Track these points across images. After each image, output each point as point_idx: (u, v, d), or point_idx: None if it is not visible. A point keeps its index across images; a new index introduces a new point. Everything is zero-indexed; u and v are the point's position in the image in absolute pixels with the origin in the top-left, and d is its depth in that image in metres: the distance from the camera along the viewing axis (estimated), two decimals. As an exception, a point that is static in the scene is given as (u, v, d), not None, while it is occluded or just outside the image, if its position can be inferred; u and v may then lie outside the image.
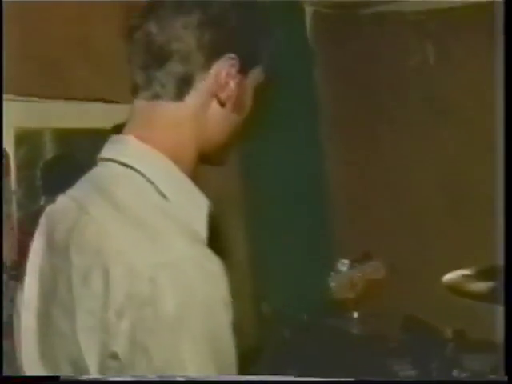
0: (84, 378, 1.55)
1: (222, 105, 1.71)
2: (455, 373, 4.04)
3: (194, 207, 1.68)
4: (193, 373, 1.51)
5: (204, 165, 1.80)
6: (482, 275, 3.07)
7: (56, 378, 1.58)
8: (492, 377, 2.96)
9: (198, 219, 1.67)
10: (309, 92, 5.37)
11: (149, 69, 1.69)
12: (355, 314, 3.32)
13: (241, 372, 2.09)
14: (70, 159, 4.47)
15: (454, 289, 3.11)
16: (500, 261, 3.16)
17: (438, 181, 5.19)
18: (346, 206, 5.52)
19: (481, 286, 3.08)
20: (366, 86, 5.39)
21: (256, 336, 4.26)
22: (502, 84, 2.20)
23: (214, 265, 1.59)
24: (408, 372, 4.16)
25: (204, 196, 1.71)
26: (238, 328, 3.89)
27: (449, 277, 3.10)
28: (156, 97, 1.69)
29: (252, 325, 4.47)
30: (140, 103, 1.73)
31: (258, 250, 4.79)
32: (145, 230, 1.56)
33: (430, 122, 5.14)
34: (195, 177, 1.75)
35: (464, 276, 3.10)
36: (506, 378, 1.85)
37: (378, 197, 5.43)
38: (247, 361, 3.01)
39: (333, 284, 2.65)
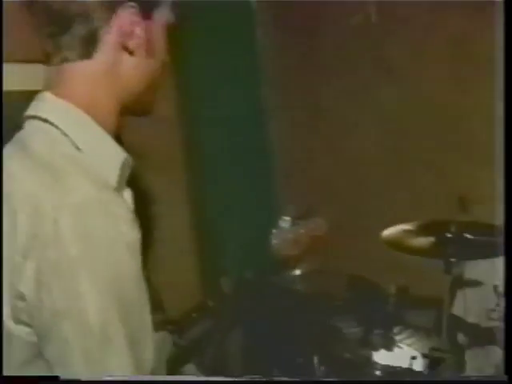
0: (84, 378, 1.56)
1: (132, 53, 1.73)
2: (397, 329, 4.10)
3: (107, 158, 1.70)
4: (94, 317, 1.52)
5: (133, 116, 1.84)
6: (422, 230, 3.09)
7: (55, 377, 1.58)
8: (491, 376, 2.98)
9: (109, 169, 1.69)
10: (251, 51, 5.35)
11: (55, 36, 1.70)
12: (298, 272, 3.33)
13: (179, 329, 2.09)
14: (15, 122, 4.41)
15: (394, 244, 3.13)
16: (441, 216, 3.20)
17: (379, 137, 5.23)
18: (288, 163, 5.53)
19: (421, 241, 3.11)
20: (310, 45, 5.38)
21: (201, 294, 4.28)
22: (501, 83, 2.22)
23: (120, 209, 1.62)
24: (352, 329, 4.20)
25: (120, 148, 1.74)
26: (181, 286, 3.89)
27: (389, 232, 3.12)
28: (66, 60, 1.72)
29: (196, 283, 4.48)
30: (52, 68, 1.75)
31: (199, 209, 4.78)
32: (53, 174, 1.58)
33: (372, 82, 5.15)
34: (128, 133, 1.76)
35: (405, 231, 3.13)
36: (505, 378, 1.87)
37: (321, 154, 5.45)
38: (192, 318, 3.02)
39: (275, 241, 2.64)
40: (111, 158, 1.70)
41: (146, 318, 1.64)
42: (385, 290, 4.62)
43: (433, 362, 3.00)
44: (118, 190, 1.70)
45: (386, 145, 5.20)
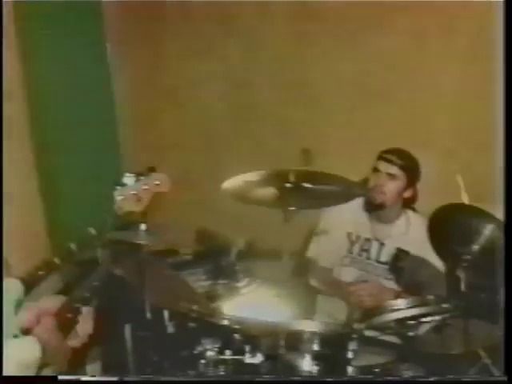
0: (82, 378, 1.55)
1: None
2: (246, 281, 4.19)
3: None
4: None
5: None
6: (263, 181, 3.11)
7: (54, 378, 1.57)
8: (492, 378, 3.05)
9: None
10: (95, 9, 5.29)
11: None
12: (143, 227, 3.34)
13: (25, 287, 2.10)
14: None
15: (235, 195, 3.14)
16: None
17: (222, 91, 5.29)
18: (133, 119, 5.51)
19: (262, 192, 3.14)
20: (154, 2, 5.35)
21: (48, 252, 4.23)
22: (502, 83, 2.26)
23: None
24: (201, 282, 4.26)
25: None
26: (29, 244, 3.81)
27: (230, 183, 3.11)
28: None
29: (43, 242, 4.44)
30: None
31: (46, 169, 4.71)
32: None
33: (217, 38, 5.18)
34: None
35: (246, 182, 3.14)
36: (505, 378, 1.92)
37: (166, 109, 5.47)
38: (38, 276, 2.99)
39: (118, 198, 2.64)
40: None
41: None
42: (233, 242, 4.72)
43: (279, 308, 3.07)
44: None
45: (231, 99, 5.27)
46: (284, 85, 5.02)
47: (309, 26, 4.87)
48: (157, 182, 2.71)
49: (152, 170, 2.74)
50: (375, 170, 3.77)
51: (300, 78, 4.97)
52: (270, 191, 3.14)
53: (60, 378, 1.61)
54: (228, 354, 3.04)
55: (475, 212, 3.05)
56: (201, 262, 4.56)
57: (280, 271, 4.14)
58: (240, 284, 4.18)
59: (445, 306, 3.02)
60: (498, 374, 3.89)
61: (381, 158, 3.77)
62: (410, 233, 3.82)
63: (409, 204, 3.87)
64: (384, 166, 3.74)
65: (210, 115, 5.28)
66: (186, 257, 4.69)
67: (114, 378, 1.57)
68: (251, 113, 5.17)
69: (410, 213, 3.89)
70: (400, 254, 3.77)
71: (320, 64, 4.88)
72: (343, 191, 3.19)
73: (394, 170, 3.73)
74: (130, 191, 2.68)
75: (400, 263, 3.74)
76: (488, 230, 2.97)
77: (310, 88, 4.97)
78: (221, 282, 4.07)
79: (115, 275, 3.77)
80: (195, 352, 3.08)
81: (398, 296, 3.59)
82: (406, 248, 3.78)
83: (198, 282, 4.25)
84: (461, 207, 3.06)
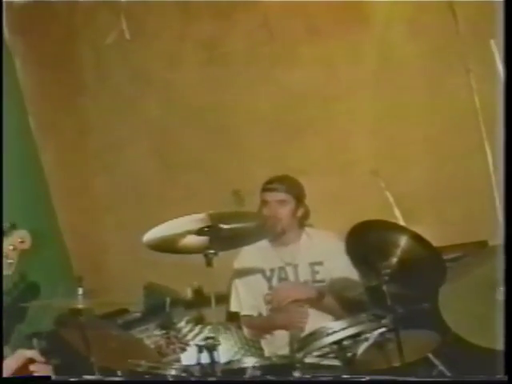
0: (74, 379, 1.55)
1: None
2: (198, 328, 4.20)
3: None
4: None
5: None
6: (185, 228, 3.15)
7: (47, 377, 1.58)
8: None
9: None
10: (12, 80, 5.31)
11: None
12: (80, 291, 3.36)
13: None
14: None
15: (156, 247, 3.18)
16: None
17: (149, 147, 5.37)
18: (63, 187, 5.52)
19: (185, 240, 3.18)
20: (68, 68, 5.42)
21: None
22: (502, 84, 2.32)
23: None
24: (154, 338, 4.27)
25: None
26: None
27: (149, 235, 3.14)
28: None
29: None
30: None
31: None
32: None
33: (134, 95, 5.25)
34: None
35: (167, 231, 3.17)
36: (506, 378, 1.96)
37: (95, 174, 5.53)
38: None
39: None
40: None
41: None
42: (181, 293, 4.75)
43: (208, 349, 3.07)
44: None
45: (157, 153, 5.35)
46: (205, 131, 5.10)
47: (220, 71, 4.98)
48: (19, 240, 2.59)
49: (14, 227, 2.61)
50: (263, 202, 3.84)
51: (219, 122, 5.05)
52: (189, 238, 3.18)
53: (53, 378, 1.64)
54: (176, 402, 3.05)
55: (388, 226, 3.15)
56: (150, 317, 4.57)
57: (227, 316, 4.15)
58: (191, 333, 4.19)
59: (377, 321, 3.08)
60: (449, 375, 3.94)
61: (265, 189, 3.84)
62: (314, 246, 3.90)
63: (303, 222, 3.95)
64: (271, 196, 3.81)
65: (138, 172, 5.32)
66: (135, 314, 4.70)
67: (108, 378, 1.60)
68: (178, 163, 5.23)
69: (307, 229, 3.96)
70: (315, 268, 3.85)
71: (236, 105, 4.98)
72: (258, 228, 3.27)
73: (282, 195, 3.81)
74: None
75: (318, 276, 3.82)
76: (403, 242, 3.05)
77: (230, 130, 5.05)
78: (169, 333, 4.09)
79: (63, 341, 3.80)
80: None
81: (320, 296, 3.71)
82: (317, 260, 3.86)
83: (151, 337, 4.26)
84: (373, 223, 3.14)
